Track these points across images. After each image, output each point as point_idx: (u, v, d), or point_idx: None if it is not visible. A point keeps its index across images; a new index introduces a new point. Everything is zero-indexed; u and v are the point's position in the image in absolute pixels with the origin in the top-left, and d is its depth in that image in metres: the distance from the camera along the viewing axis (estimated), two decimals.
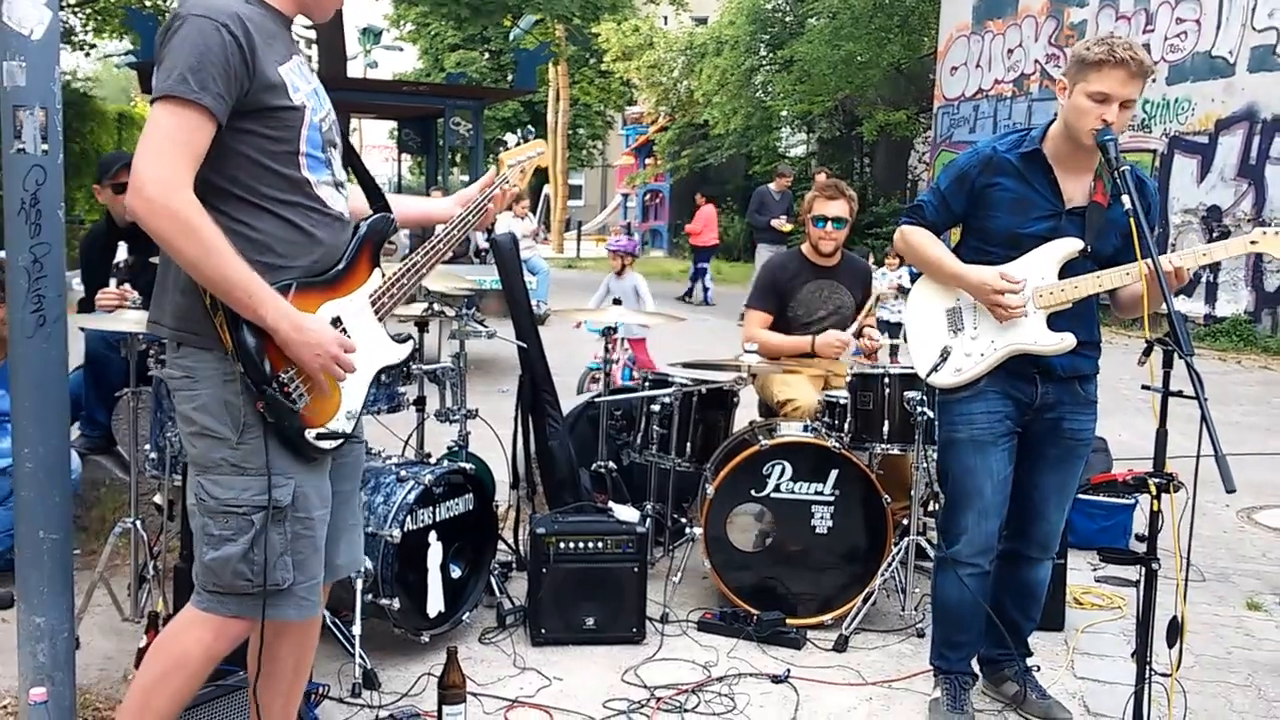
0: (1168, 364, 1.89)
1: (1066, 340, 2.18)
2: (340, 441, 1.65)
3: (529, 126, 10.15)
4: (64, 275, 2.04)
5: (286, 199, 1.60)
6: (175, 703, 1.65)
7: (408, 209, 1.96)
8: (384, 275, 1.74)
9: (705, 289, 12.81)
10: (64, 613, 2.06)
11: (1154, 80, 10.54)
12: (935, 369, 2.27)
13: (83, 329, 3.09)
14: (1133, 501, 3.53)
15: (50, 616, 2.04)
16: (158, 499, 2.82)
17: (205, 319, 1.55)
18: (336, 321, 1.64)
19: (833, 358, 3.33)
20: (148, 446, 2.64)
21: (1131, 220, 1.98)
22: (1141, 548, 1.98)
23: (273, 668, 1.78)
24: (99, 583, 2.67)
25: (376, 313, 1.72)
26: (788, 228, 9.10)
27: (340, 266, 1.66)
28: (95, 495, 3.47)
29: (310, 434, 1.61)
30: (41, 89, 1.94)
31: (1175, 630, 1.88)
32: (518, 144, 2.12)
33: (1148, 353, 1.89)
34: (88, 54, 17.74)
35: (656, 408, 3.20)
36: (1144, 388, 1.94)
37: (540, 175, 26.86)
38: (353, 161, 1.87)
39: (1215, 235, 9.80)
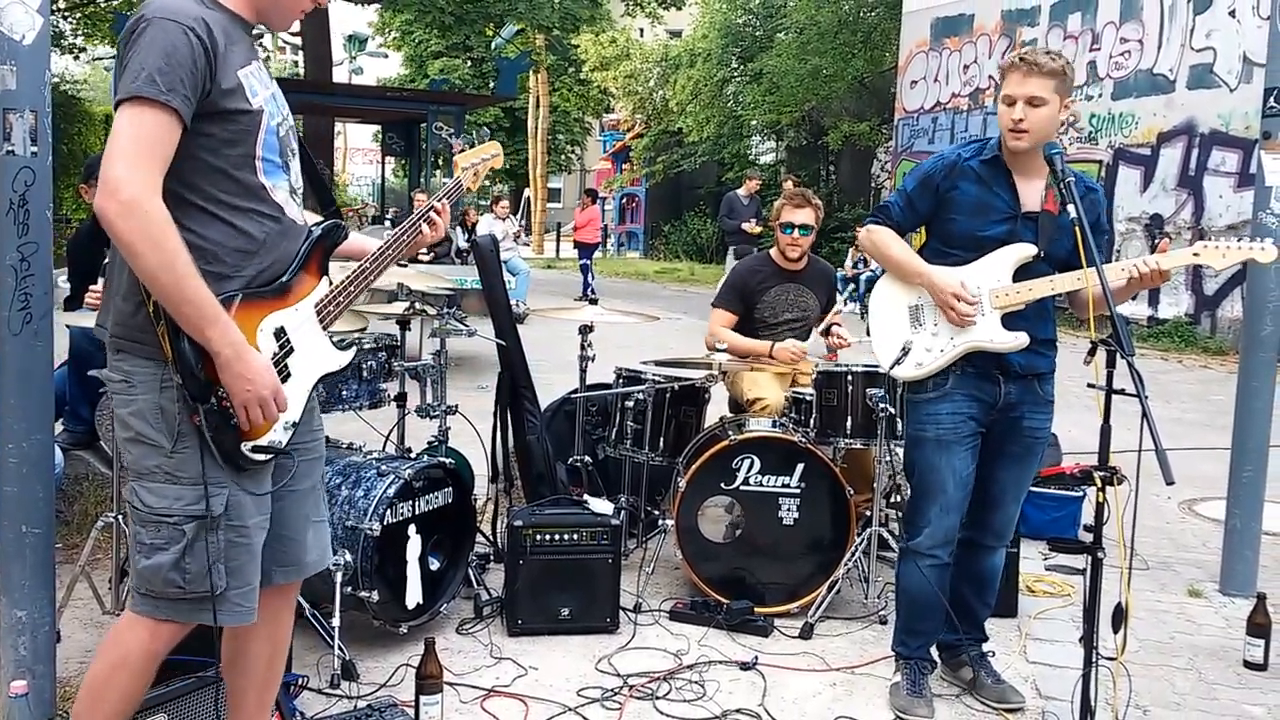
0: (1111, 364, 2.00)
1: (1020, 339, 2.30)
2: (272, 456, 1.63)
3: (484, 128, 10.05)
4: (51, 274, 2.06)
5: (240, 205, 1.57)
6: (125, 701, 1.65)
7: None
8: (331, 283, 1.72)
9: (588, 285, 13.06)
10: (45, 606, 2.08)
11: (1100, 96, 11.00)
12: (897, 362, 2.37)
13: (68, 326, 3.10)
14: (1081, 494, 3.67)
15: (31, 610, 2.05)
16: None
17: (147, 326, 1.53)
18: (281, 333, 1.62)
19: (789, 362, 3.43)
20: None
21: (1076, 229, 2.11)
22: (1089, 538, 2.08)
23: (245, 663, 1.79)
24: (80, 576, 2.67)
25: (322, 321, 1.70)
26: (757, 230, 9.25)
27: (288, 275, 1.64)
28: (78, 490, 3.46)
29: (246, 446, 1.59)
30: (32, 93, 1.98)
31: (1120, 616, 1.97)
32: (471, 146, 2.05)
33: (1093, 353, 2.00)
34: (77, 57, 17.45)
35: (630, 404, 3.28)
36: (1089, 386, 2.05)
37: (521, 179, 26.86)
38: (308, 168, 1.87)
39: (1159, 241, 10.23)
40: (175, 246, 1.46)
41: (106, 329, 1.60)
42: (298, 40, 13.38)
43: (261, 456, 1.61)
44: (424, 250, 8.71)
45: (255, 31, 1.70)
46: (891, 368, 2.38)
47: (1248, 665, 2.73)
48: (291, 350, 1.65)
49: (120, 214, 1.43)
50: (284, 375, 1.63)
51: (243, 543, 1.62)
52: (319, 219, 1.79)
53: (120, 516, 2.66)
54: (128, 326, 1.56)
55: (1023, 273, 2.31)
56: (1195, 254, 2.21)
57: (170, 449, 1.55)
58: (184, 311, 1.48)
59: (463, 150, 2.07)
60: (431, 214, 1.86)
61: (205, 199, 1.55)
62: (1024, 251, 2.30)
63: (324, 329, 1.71)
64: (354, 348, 1.80)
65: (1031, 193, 2.33)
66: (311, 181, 1.95)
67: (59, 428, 3.39)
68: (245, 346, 1.54)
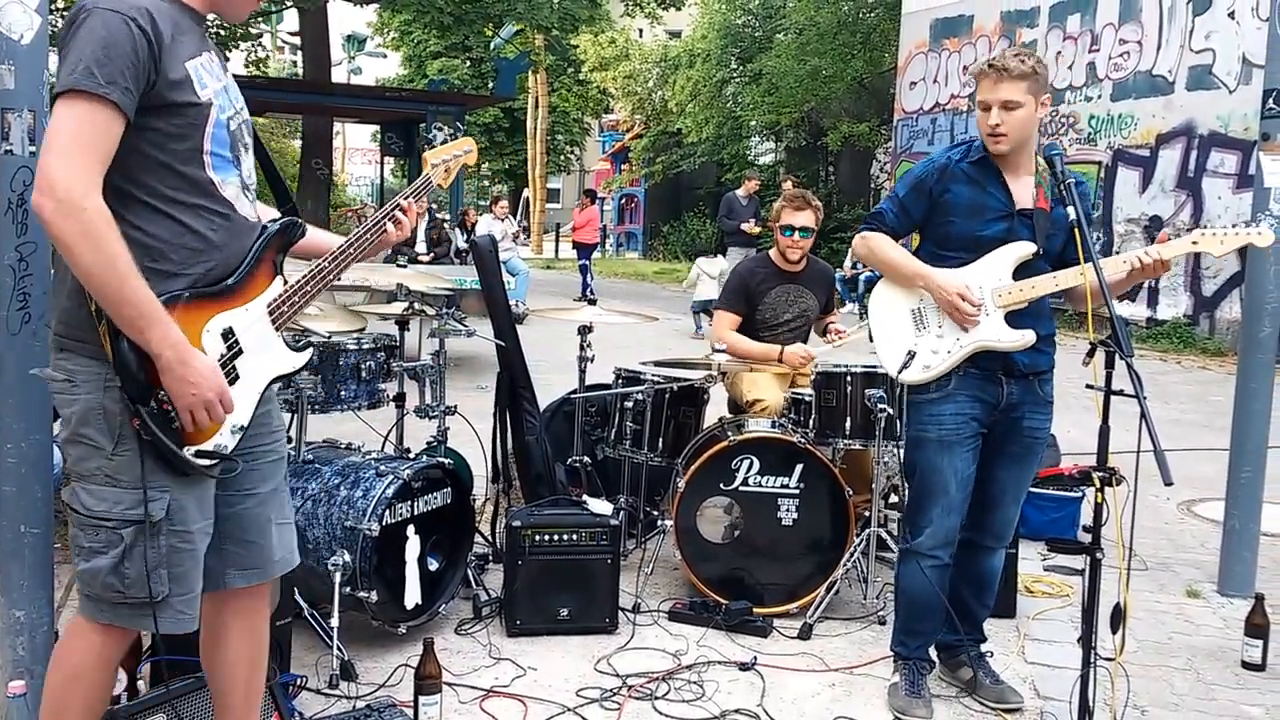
0: (1110, 364, 2.01)
1: (1027, 337, 2.31)
2: (216, 461, 1.56)
3: (459, 125, 9.94)
4: (49, 274, 2.06)
5: (188, 201, 1.52)
6: (89, 709, 1.62)
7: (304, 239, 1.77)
8: (286, 282, 1.66)
9: (586, 285, 13.05)
10: (44, 606, 2.08)
11: (1099, 97, 11.04)
12: (905, 366, 2.36)
13: None
14: (1080, 494, 3.68)
15: (30, 610, 2.05)
16: None
17: (90, 324, 1.48)
18: (229, 333, 1.57)
19: (797, 366, 3.44)
20: None
21: (1076, 231, 2.12)
22: (1088, 538, 2.08)
23: (225, 668, 1.77)
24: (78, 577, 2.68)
25: (275, 321, 1.63)
26: (756, 230, 9.27)
27: (239, 274, 1.58)
28: None
29: (189, 451, 1.53)
30: (30, 92, 1.98)
31: (1119, 617, 1.98)
32: (444, 142, 1.98)
33: (1092, 354, 2.01)
34: None
35: (630, 404, 3.28)
36: (1088, 386, 2.05)
37: (520, 180, 26.91)
38: (263, 164, 1.80)
39: (1156, 235, 10.26)
40: (115, 246, 1.41)
41: (49, 327, 1.57)
42: (296, 40, 13.41)
43: (205, 461, 1.55)
44: (407, 251, 8.71)
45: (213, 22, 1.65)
46: (899, 373, 2.37)
47: (1246, 666, 2.74)
48: (240, 352, 1.59)
49: (56, 212, 1.38)
50: (232, 377, 1.57)
51: (186, 548, 1.57)
52: (275, 216, 1.72)
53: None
54: (70, 325, 1.52)
55: (1021, 270, 2.31)
56: (1194, 242, 2.23)
57: (111, 451, 1.51)
58: (124, 313, 1.43)
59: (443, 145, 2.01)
60: (397, 212, 1.79)
61: (151, 194, 1.50)
62: (1024, 250, 2.31)
63: (278, 330, 1.65)
64: (310, 349, 1.73)
65: (1022, 190, 2.34)
66: (268, 176, 1.87)
67: (58, 427, 3.38)
68: (188, 348, 1.48)
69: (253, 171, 1.66)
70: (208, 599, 1.72)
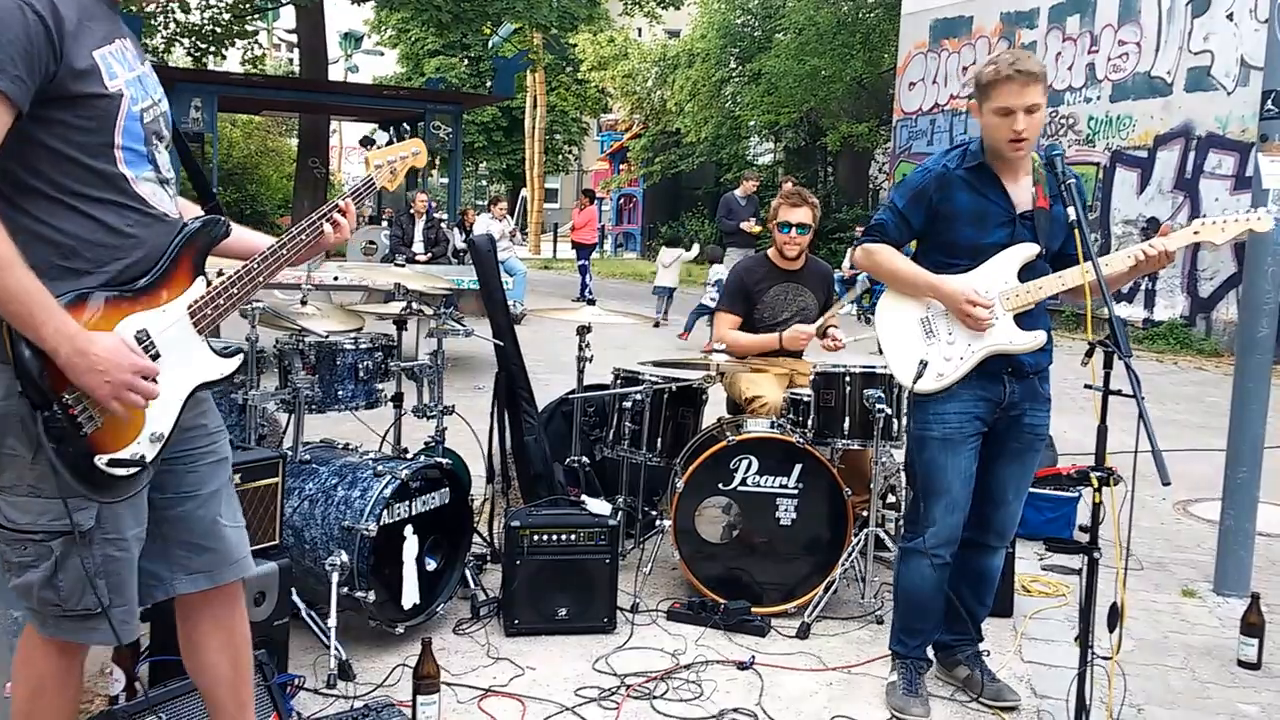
0: (1108, 365, 2.01)
1: (1039, 337, 2.31)
2: (139, 469, 1.47)
3: (404, 125, 9.90)
4: None
5: (99, 196, 1.44)
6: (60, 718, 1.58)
7: (232, 239, 1.67)
8: (209, 283, 1.57)
9: (585, 285, 13.05)
10: None
11: (1098, 98, 11.06)
12: (919, 376, 2.35)
13: None
14: (1077, 494, 3.69)
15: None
16: None
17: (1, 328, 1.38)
18: (143, 335, 1.47)
19: (799, 349, 3.45)
20: None
21: (1076, 231, 2.13)
22: (1085, 538, 2.10)
23: (208, 671, 1.74)
24: None
25: (197, 324, 1.54)
26: (757, 229, 9.28)
27: (154, 274, 1.49)
28: None
29: (101, 460, 1.43)
30: None
31: (1115, 616, 1.99)
32: (389, 143, 1.90)
33: (1090, 354, 2.02)
34: None
35: (628, 404, 3.28)
36: (1086, 387, 2.06)
37: (518, 179, 26.89)
38: (184, 157, 1.73)
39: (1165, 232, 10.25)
40: None
41: None
42: (293, 38, 13.40)
43: (122, 471, 1.45)
44: (404, 250, 8.69)
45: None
46: (914, 384, 2.36)
47: (1241, 664, 2.75)
48: (156, 356, 1.49)
49: None
50: None
51: (122, 556, 1.50)
52: (197, 213, 1.64)
53: None
54: None
55: (1024, 271, 2.32)
56: (1195, 231, 2.24)
57: (31, 460, 1.42)
58: (11, 310, 1.34)
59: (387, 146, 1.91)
60: (335, 214, 1.69)
61: (58, 189, 1.41)
62: (1028, 251, 2.31)
63: (201, 333, 1.55)
64: (239, 355, 1.64)
65: (1021, 193, 2.34)
66: (189, 171, 1.78)
67: None
68: (85, 336, 1.38)
69: (170, 165, 1.57)
70: (176, 605, 1.69)
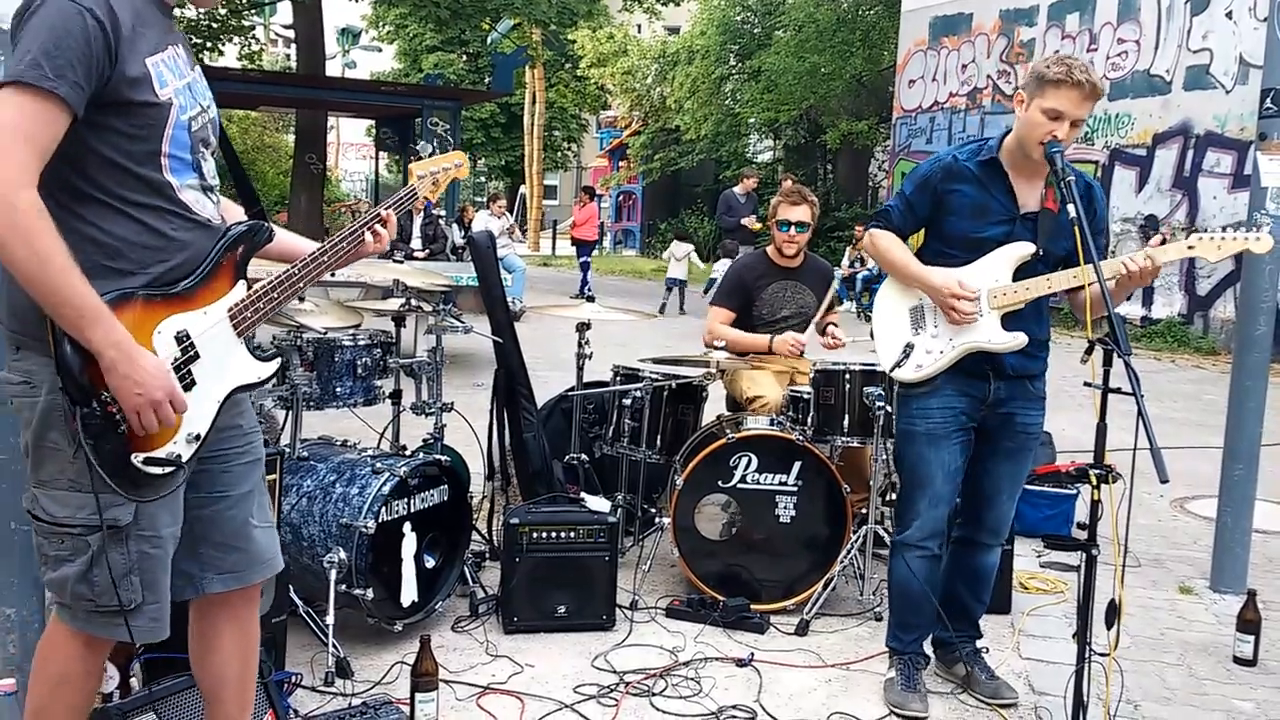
0: (1107, 363, 2.01)
1: (1018, 339, 2.31)
2: (175, 469, 1.49)
3: (447, 137, 9.89)
4: None
5: (144, 202, 1.47)
6: (74, 711, 1.59)
7: (275, 243, 1.71)
8: (249, 287, 1.59)
9: (585, 282, 13.09)
10: (35, 604, 2.06)
11: None
12: (898, 364, 2.38)
13: None
14: (1075, 491, 3.69)
15: (21, 608, 2.03)
16: None
17: (43, 322, 1.41)
18: (183, 336, 1.50)
19: (787, 356, 3.45)
20: None
21: (1076, 228, 2.12)
22: (1082, 535, 2.09)
23: (216, 670, 1.75)
24: None
25: (237, 327, 1.57)
26: (757, 226, 9.29)
27: (196, 277, 1.52)
28: None
29: (137, 459, 1.45)
30: None
31: (1113, 613, 1.99)
32: (432, 154, 1.93)
33: (1089, 352, 2.01)
34: None
35: (628, 402, 3.28)
36: (1085, 385, 2.06)
37: (517, 176, 26.84)
38: (230, 164, 1.75)
39: (1152, 243, 10.27)
40: (48, 242, 1.34)
41: (4, 324, 1.50)
42: (290, 33, 13.35)
43: (157, 470, 1.47)
44: (403, 247, 8.69)
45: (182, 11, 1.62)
46: (892, 370, 2.40)
47: (1237, 661, 2.76)
48: (196, 357, 1.52)
49: None
50: (187, 383, 1.51)
51: (157, 554, 1.52)
52: (241, 218, 1.67)
53: None
54: (26, 322, 1.44)
55: (1022, 273, 2.32)
56: (1190, 246, 2.23)
57: (72, 454, 1.44)
58: (63, 312, 1.37)
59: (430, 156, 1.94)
60: (376, 224, 1.72)
61: (106, 194, 1.45)
62: (1022, 250, 2.31)
63: (240, 336, 1.58)
64: (278, 359, 1.67)
65: (1030, 193, 2.33)
66: (235, 178, 1.81)
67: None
68: (134, 347, 1.41)
69: (215, 172, 1.60)
70: (195, 604, 1.70)
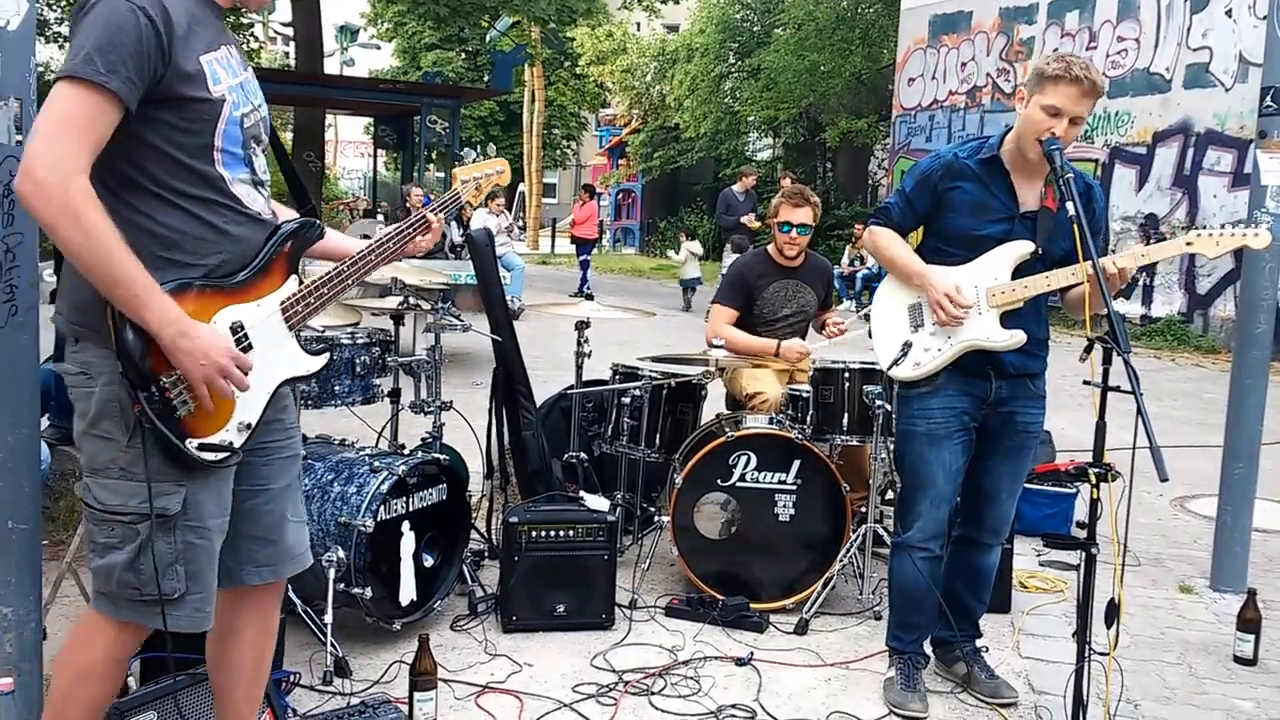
0: (1107, 361, 2.01)
1: (1017, 336, 2.31)
2: (227, 454, 1.54)
3: (490, 144, 10.07)
4: (37, 265, 2.03)
5: (197, 194, 1.52)
6: (95, 706, 1.61)
7: (324, 241, 1.77)
8: (301, 281, 1.64)
9: (585, 281, 13.10)
10: (32, 603, 2.05)
11: None
12: (896, 362, 2.37)
13: (54, 320, 3.06)
14: (1074, 490, 3.69)
15: (18, 607, 2.02)
16: None
17: (101, 312, 1.46)
18: (237, 327, 1.54)
19: (793, 362, 3.45)
20: None
21: (1075, 226, 2.11)
22: (1082, 534, 2.09)
23: (232, 665, 1.76)
24: (67, 573, 2.65)
25: (289, 320, 1.61)
26: (756, 225, 9.29)
27: (251, 269, 1.57)
28: (64, 485, 3.44)
29: (192, 444, 1.50)
30: (16, 79, 1.94)
31: (1113, 612, 1.99)
32: (475, 160, 1.97)
33: (1089, 350, 2.01)
34: (62, 46, 17.32)
35: (627, 400, 3.27)
36: (1085, 383, 2.05)
37: (516, 174, 26.81)
38: (281, 162, 1.80)
39: (1153, 241, 10.28)
40: (97, 222, 1.39)
41: (62, 317, 1.54)
42: (289, 31, 13.33)
43: (210, 456, 1.52)
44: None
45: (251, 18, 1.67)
46: (890, 367, 2.39)
47: (1237, 660, 2.75)
48: (249, 347, 1.56)
49: (34, 194, 1.37)
50: None
51: (202, 544, 1.55)
52: (292, 215, 1.71)
53: None
54: (85, 314, 1.49)
55: (1021, 271, 2.31)
56: (1188, 243, 2.22)
57: (125, 444, 1.49)
58: (117, 293, 1.42)
59: (474, 161, 2.00)
60: (422, 227, 1.80)
61: (160, 186, 1.49)
62: (1021, 249, 2.30)
63: (291, 330, 1.63)
64: (326, 353, 1.71)
65: (1030, 192, 2.33)
66: (286, 176, 1.86)
67: (45, 423, 3.36)
68: (188, 322, 1.46)
69: (265, 169, 1.65)
70: (224, 595, 1.70)
